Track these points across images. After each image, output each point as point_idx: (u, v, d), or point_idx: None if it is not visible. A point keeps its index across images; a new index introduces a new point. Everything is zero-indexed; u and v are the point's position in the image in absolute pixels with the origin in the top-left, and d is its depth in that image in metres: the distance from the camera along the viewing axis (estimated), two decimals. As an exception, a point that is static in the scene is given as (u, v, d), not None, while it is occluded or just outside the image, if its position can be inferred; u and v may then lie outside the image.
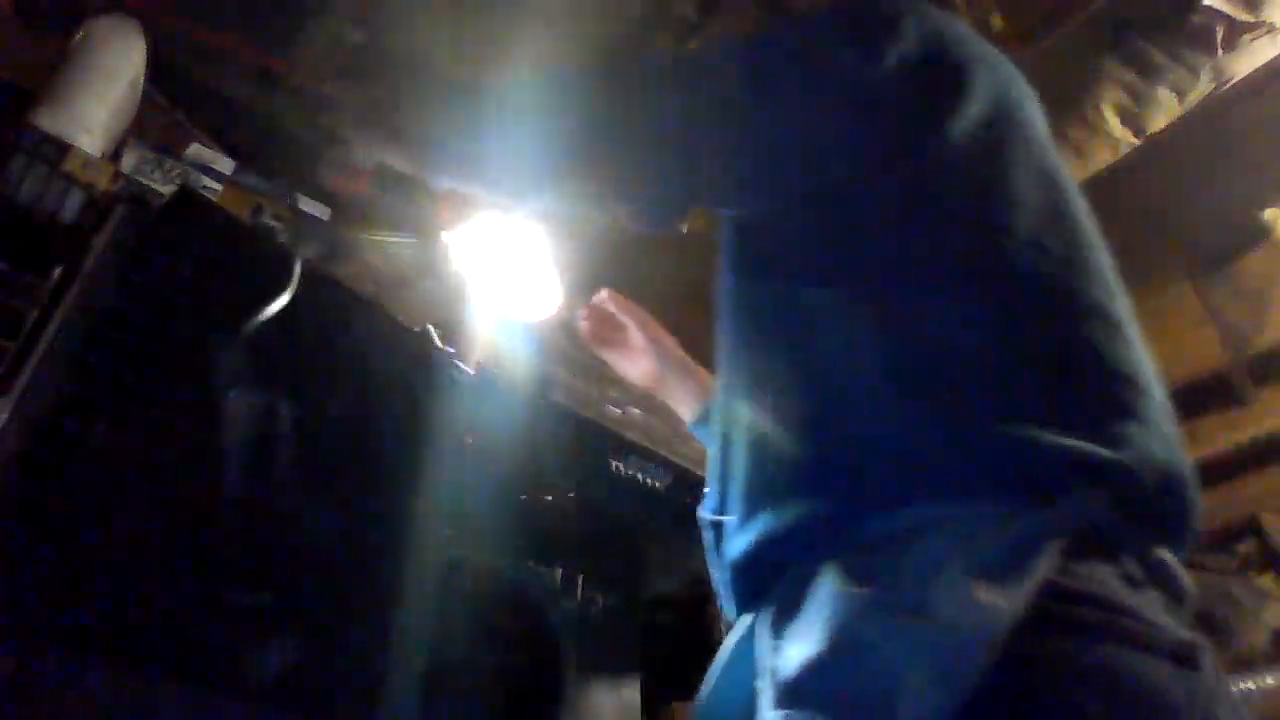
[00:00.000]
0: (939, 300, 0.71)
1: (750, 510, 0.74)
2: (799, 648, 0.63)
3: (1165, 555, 0.66)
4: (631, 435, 1.53)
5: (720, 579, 0.81)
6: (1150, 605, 0.61)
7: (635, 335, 1.22)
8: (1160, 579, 0.64)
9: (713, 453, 0.84)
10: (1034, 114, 0.86)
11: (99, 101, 1.71)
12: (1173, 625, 0.60)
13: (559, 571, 1.48)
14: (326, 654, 0.96)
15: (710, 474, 0.86)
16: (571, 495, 1.42)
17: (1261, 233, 2.70)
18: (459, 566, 1.34)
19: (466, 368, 1.31)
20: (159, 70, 1.93)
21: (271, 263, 1.14)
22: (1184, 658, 0.57)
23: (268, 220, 2.11)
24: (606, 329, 1.25)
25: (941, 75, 0.78)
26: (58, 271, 1.17)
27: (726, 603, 0.82)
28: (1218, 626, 2.75)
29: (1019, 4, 2.11)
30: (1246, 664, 2.59)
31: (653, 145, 0.78)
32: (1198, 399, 2.73)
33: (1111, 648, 0.57)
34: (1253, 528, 2.75)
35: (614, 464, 1.44)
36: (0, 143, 1.55)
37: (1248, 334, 2.72)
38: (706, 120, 0.77)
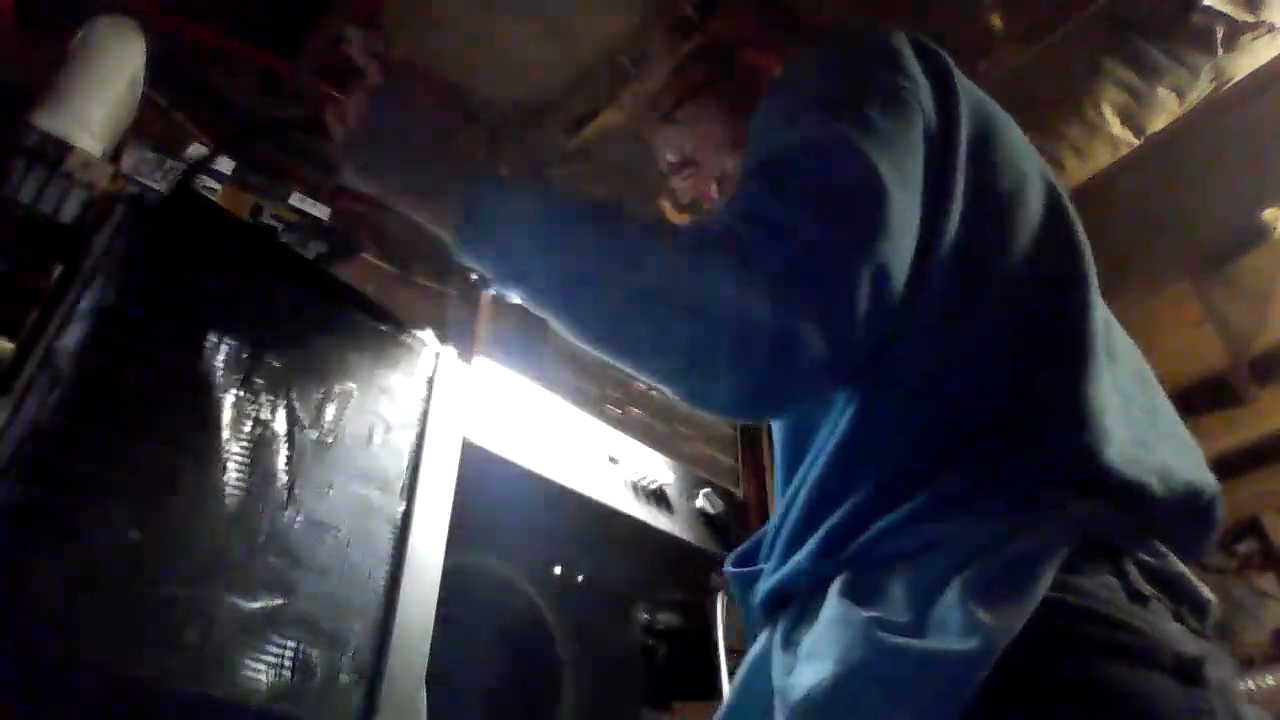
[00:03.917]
0: (945, 318, 0.71)
1: (786, 549, 0.75)
2: (806, 669, 0.63)
3: (1177, 565, 0.66)
4: (632, 434, 1.53)
5: (749, 618, 0.83)
6: (1154, 618, 0.60)
7: None
8: (1171, 590, 0.64)
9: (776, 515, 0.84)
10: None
11: (99, 101, 1.71)
12: (1178, 638, 0.59)
13: (558, 572, 1.48)
14: (328, 655, 0.96)
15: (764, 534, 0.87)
16: (571, 495, 1.42)
17: (1261, 233, 2.70)
18: (459, 568, 1.34)
19: (467, 367, 1.31)
20: (159, 70, 1.93)
21: (271, 262, 1.14)
22: (1187, 672, 0.57)
23: (268, 220, 2.12)
24: None
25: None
26: (58, 271, 1.17)
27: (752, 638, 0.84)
28: (1218, 626, 2.75)
29: (1019, 4, 2.11)
30: (1247, 664, 2.60)
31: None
32: (1198, 399, 2.73)
33: (1110, 665, 0.57)
34: (1253, 528, 2.75)
35: (614, 464, 1.44)
36: (0, 143, 1.55)
37: (1248, 334, 2.72)
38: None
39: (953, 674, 0.55)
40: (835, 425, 0.73)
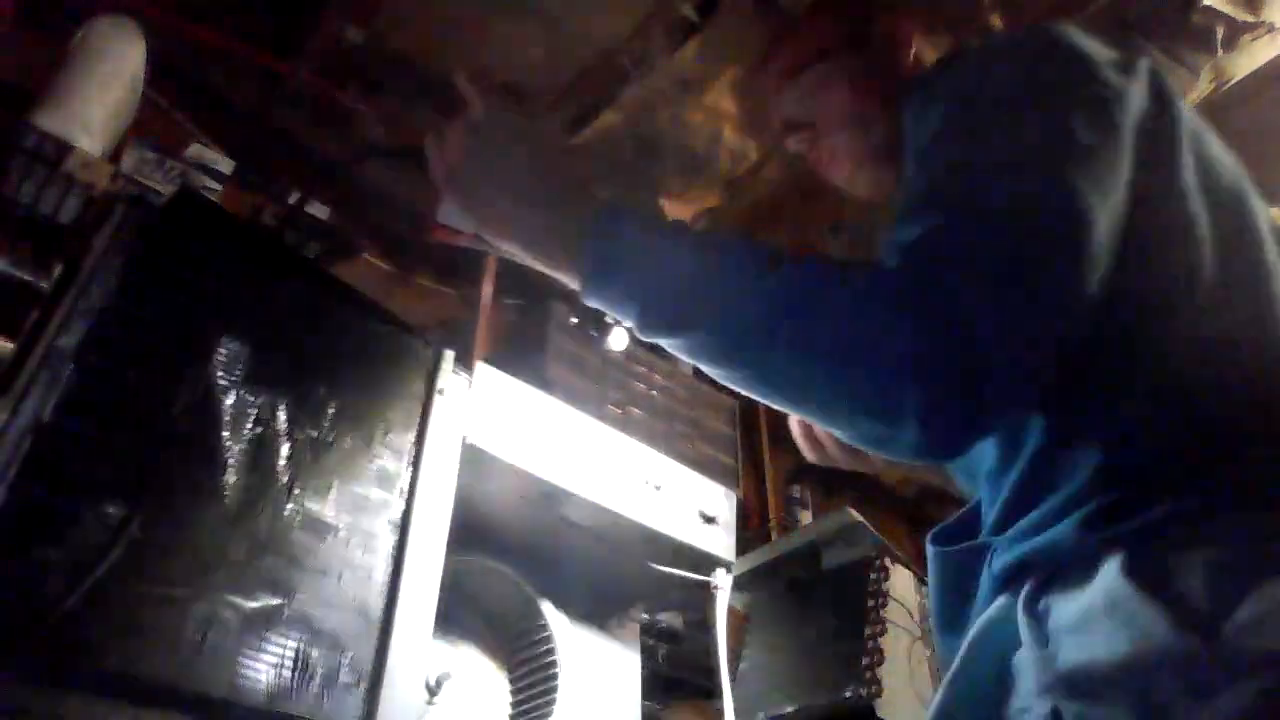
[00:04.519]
0: (1206, 310, 0.71)
1: (1037, 523, 0.72)
2: (1079, 640, 0.62)
3: None
4: (632, 435, 1.53)
5: (950, 592, 0.81)
6: None
7: None
8: None
9: (985, 488, 0.81)
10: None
11: (99, 101, 1.71)
12: None
13: (558, 574, 1.48)
14: (328, 655, 0.96)
15: (968, 511, 0.85)
16: (570, 495, 1.42)
17: (1261, 233, 2.70)
18: (459, 570, 1.34)
19: (466, 367, 1.31)
20: (159, 70, 1.93)
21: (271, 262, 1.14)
22: None
23: (268, 220, 2.12)
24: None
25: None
26: (58, 271, 1.17)
27: (944, 631, 0.82)
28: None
29: (1019, 4, 2.11)
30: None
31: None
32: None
33: None
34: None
35: (615, 464, 1.44)
36: (0, 143, 1.55)
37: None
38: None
39: (1272, 678, 0.53)
40: (1082, 409, 0.71)
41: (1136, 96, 0.75)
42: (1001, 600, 0.74)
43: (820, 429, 1.03)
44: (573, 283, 0.73)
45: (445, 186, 0.77)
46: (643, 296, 0.69)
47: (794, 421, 1.04)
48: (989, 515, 0.79)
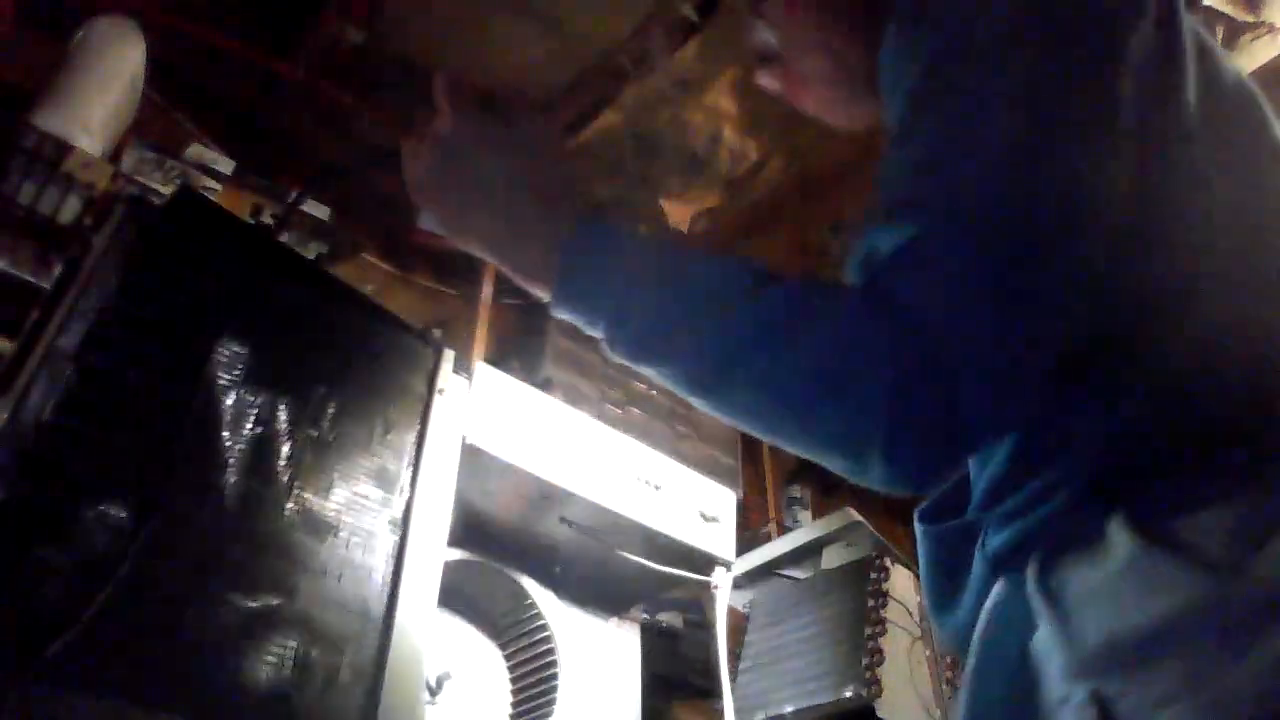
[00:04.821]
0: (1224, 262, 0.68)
1: (1033, 496, 0.69)
2: (1100, 613, 0.59)
3: None
4: (632, 435, 1.53)
5: (942, 572, 0.79)
6: None
7: None
8: None
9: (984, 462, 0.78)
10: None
11: (99, 102, 1.71)
12: None
13: (558, 574, 1.48)
14: (328, 655, 0.96)
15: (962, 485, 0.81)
16: (570, 495, 1.42)
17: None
18: (459, 569, 1.34)
19: (466, 367, 1.31)
20: (159, 70, 1.93)
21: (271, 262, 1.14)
22: None
23: (268, 220, 2.12)
24: None
25: None
26: (58, 271, 1.17)
27: (938, 610, 0.80)
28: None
29: (1019, 4, 2.11)
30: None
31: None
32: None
33: None
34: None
35: (614, 464, 1.44)
36: (0, 143, 1.56)
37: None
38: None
39: None
40: (1080, 400, 0.68)
41: (1143, 33, 0.68)
42: (1002, 583, 0.71)
43: None
44: (544, 295, 0.72)
45: (415, 196, 0.76)
46: (607, 317, 0.67)
47: None
48: (976, 489, 0.77)
